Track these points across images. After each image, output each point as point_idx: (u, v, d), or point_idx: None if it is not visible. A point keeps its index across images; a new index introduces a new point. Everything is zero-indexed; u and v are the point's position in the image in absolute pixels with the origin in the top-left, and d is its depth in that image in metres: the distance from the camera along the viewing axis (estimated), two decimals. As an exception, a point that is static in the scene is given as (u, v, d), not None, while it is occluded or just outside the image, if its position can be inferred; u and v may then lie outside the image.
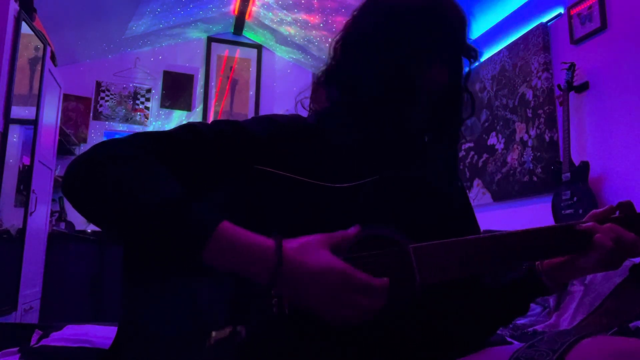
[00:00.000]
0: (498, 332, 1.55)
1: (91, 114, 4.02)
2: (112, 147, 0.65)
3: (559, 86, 2.51)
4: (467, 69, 0.81)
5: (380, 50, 0.75)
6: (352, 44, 0.80)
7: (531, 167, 2.74)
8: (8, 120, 2.25)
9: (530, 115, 2.79)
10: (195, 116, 4.29)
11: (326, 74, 0.82)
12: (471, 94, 0.83)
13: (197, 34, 4.35)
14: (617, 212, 0.74)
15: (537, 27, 2.78)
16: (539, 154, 2.69)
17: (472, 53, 0.79)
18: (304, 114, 0.86)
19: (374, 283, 0.59)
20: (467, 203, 0.90)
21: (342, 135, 0.77)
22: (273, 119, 0.77)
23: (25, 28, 2.41)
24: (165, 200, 0.58)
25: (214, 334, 0.59)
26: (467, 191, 3.01)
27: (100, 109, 4.05)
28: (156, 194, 0.59)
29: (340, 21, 3.64)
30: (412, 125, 0.78)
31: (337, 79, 0.80)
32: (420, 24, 0.75)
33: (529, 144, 2.78)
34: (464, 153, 3.37)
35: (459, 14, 0.77)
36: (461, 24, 0.78)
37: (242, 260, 0.58)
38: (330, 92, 0.81)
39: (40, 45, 2.69)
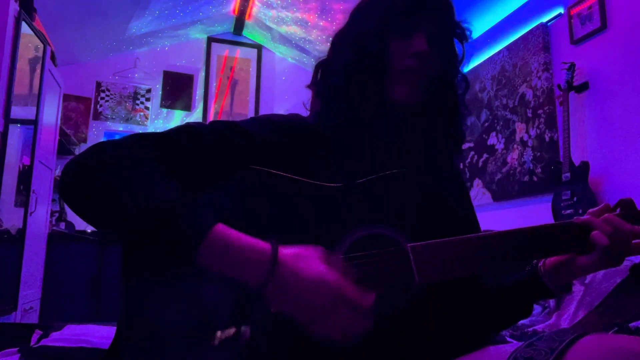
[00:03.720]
0: (498, 331, 1.54)
1: (91, 114, 4.02)
2: (108, 148, 0.65)
3: (559, 86, 2.51)
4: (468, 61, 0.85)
5: (351, 33, 0.82)
6: (334, 38, 0.87)
7: (531, 167, 2.73)
8: (8, 120, 2.25)
9: (530, 115, 2.79)
10: (195, 116, 4.29)
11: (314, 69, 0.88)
12: (465, 76, 0.86)
13: (197, 34, 4.35)
14: (618, 210, 0.74)
15: (537, 27, 2.77)
16: (539, 154, 2.69)
17: (458, 30, 0.83)
18: (306, 113, 0.86)
19: (364, 303, 0.57)
20: (468, 201, 0.90)
21: (339, 134, 0.77)
22: (271, 118, 0.77)
23: (25, 28, 2.41)
24: (159, 203, 0.58)
25: (218, 333, 0.58)
26: (467, 191, 3.01)
27: (100, 109, 4.05)
28: (150, 196, 0.59)
29: (339, 10, 3.60)
30: (393, 98, 0.78)
31: (322, 68, 0.87)
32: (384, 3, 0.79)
33: (529, 144, 2.77)
34: (464, 153, 3.37)
35: None
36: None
37: (235, 262, 0.57)
38: (317, 84, 0.86)
39: (40, 45, 2.69)
